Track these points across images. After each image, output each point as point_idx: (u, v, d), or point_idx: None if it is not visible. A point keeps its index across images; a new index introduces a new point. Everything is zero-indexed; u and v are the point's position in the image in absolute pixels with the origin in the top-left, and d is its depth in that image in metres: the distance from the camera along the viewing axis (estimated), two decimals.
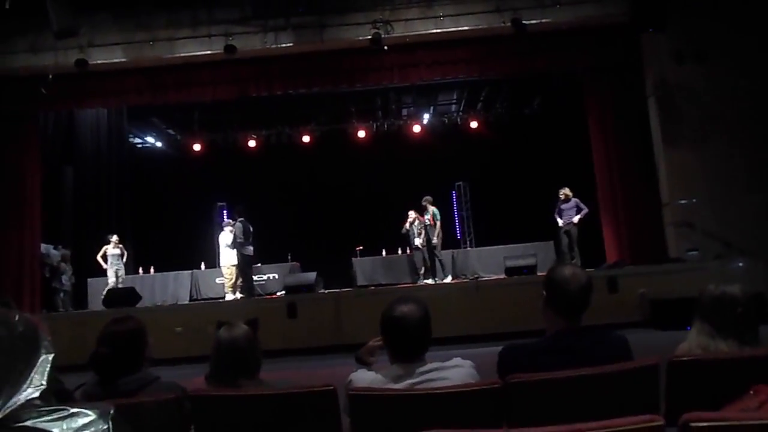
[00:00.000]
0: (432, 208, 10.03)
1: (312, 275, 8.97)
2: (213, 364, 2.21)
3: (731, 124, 8.89)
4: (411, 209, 10.27)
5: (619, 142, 9.71)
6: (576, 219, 9.47)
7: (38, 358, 0.96)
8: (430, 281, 9.80)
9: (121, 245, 10.61)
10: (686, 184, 9.05)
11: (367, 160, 13.27)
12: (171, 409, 1.98)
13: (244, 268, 9.95)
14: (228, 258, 10.16)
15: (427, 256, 10.13)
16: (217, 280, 11.59)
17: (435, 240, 9.95)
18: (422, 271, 10.14)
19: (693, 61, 8.91)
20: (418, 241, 10.11)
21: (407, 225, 10.21)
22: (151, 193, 13.55)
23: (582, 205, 9.57)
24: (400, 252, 11.67)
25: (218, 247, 10.79)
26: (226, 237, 10.17)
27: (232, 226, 10.04)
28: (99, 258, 10.48)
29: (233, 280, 10.12)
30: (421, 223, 10.08)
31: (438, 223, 9.99)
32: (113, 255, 10.44)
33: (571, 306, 2.04)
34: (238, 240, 9.80)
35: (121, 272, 10.60)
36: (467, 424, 1.33)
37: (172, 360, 7.04)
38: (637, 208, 9.48)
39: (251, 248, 9.92)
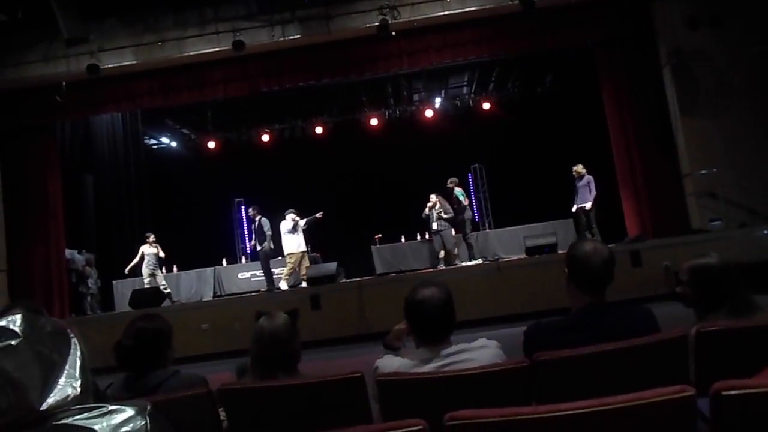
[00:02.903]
0: (458, 190, 10.11)
1: (333, 266, 9.01)
2: (254, 356, 2.17)
3: (749, 90, 8.75)
4: (429, 194, 10.25)
5: (635, 115, 9.58)
6: (588, 205, 9.34)
7: (70, 351, 0.97)
8: (459, 262, 9.78)
9: (157, 244, 10.14)
10: (706, 153, 8.94)
11: (381, 148, 13.27)
12: (203, 403, 2.00)
13: (263, 263, 9.99)
14: (289, 245, 9.85)
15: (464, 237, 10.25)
16: (240, 276, 11.71)
17: (466, 219, 10.03)
18: (441, 256, 10.13)
19: (707, 27, 8.76)
20: (435, 225, 10.10)
21: (427, 210, 10.18)
22: (169, 194, 13.71)
23: (592, 186, 9.38)
24: (419, 237, 11.69)
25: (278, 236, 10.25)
26: (287, 224, 9.87)
27: (294, 213, 9.84)
28: (137, 259, 10.13)
29: (293, 267, 9.84)
30: (441, 208, 10.05)
31: (466, 203, 10.09)
32: (150, 254, 10.03)
33: (594, 281, 2.05)
34: (267, 233, 9.84)
35: (158, 272, 10.16)
36: (496, 403, 1.33)
37: (199, 357, 7.19)
38: (656, 181, 9.38)
39: (270, 243, 9.96)
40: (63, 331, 1.00)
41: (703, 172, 8.89)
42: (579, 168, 9.56)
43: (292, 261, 9.79)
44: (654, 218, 9.34)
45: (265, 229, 9.96)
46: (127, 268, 10.38)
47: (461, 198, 10.07)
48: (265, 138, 13.64)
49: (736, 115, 8.74)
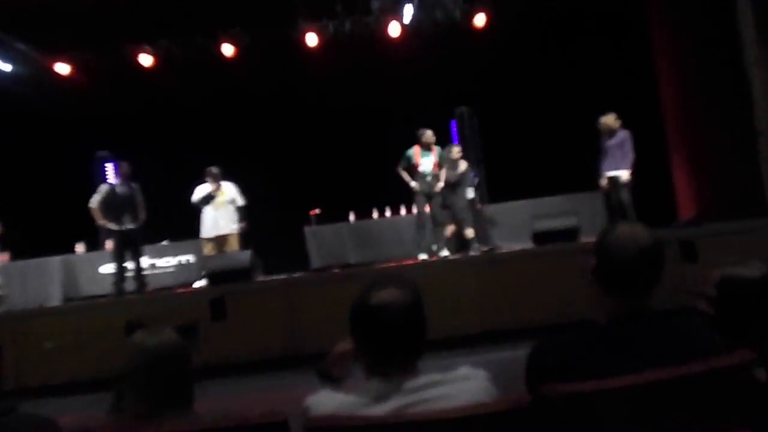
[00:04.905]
0: (438, 149, 10.36)
1: (246, 255, 9.00)
2: (128, 388, 2.18)
3: None
4: (394, 148, 10.39)
5: (693, 51, 9.81)
6: (624, 174, 9.45)
7: None
8: (424, 255, 9.97)
9: None
10: None
11: (321, 82, 13.21)
12: None
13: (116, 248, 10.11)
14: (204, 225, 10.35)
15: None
16: (101, 270, 11.64)
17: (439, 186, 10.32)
18: (448, 235, 10.49)
19: None
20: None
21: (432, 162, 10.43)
22: None
23: (629, 145, 9.50)
24: (378, 215, 11.84)
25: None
26: (199, 191, 10.30)
27: (213, 176, 10.30)
28: None
29: None
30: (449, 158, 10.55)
31: (444, 171, 10.37)
32: None
33: (629, 280, 2.10)
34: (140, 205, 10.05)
35: None
36: None
37: (44, 389, 7.08)
38: (720, 142, 9.59)
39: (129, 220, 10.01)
40: None
41: None
42: (610, 120, 9.60)
43: (207, 250, 10.16)
44: (716, 193, 9.61)
45: (138, 198, 10.06)
46: None
47: (443, 159, 10.35)
48: (146, 61, 13.34)
49: None
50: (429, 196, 10.15)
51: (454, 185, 10.48)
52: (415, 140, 10.25)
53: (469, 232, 10.41)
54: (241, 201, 10.45)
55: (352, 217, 12.07)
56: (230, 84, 13.44)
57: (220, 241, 10.27)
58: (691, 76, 9.87)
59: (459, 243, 10.54)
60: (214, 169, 10.25)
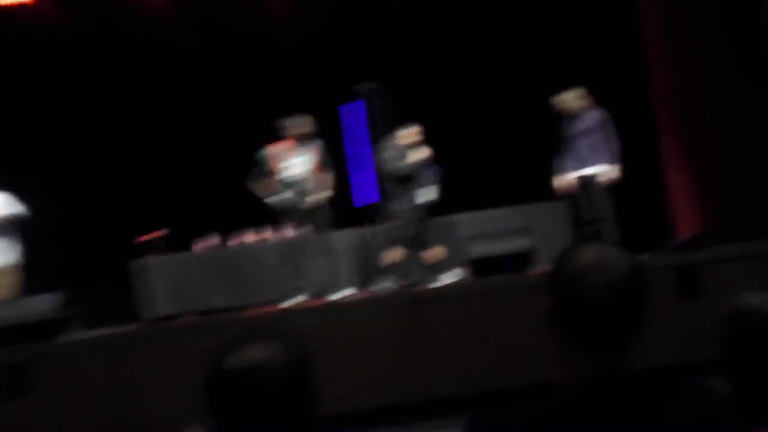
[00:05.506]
0: (319, 143, 10.35)
1: (51, 300, 8.85)
2: None
3: None
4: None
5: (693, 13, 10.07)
6: (601, 171, 9.64)
7: None
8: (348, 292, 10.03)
9: None
10: None
11: (162, 49, 13.25)
12: None
13: None
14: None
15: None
16: None
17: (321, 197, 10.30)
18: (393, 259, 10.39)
19: None
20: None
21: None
22: None
23: (605, 130, 9.67)
24: (254, 237, 11.84)
25: None
26: None
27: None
28: None
29: None
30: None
31: (330, 176, 10.34)
32: None
33: (600, 329, 2.05)
34: None
35: None
36: None
37: None
38: (731, 132, 9.80)
39: None
40: None
41: None
42: (572, 97, 9.81)
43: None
44: (727, 203, 9.78)
45: None
46: None
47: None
48: None
49: None
50: (306, 214, 10.12)
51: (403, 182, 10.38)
52: (277, 134, 10.24)
53: (434, 254, 10.34)
54: (12, 212, 10.10)
55: (215, 240, 11.95)
56: (27, 49, 13.23)
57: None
58: (689, 53, 10.20)
59: (374, 274, 10.51)
60: None
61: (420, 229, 10.38)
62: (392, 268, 10.35)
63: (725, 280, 7.74)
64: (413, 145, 10.51)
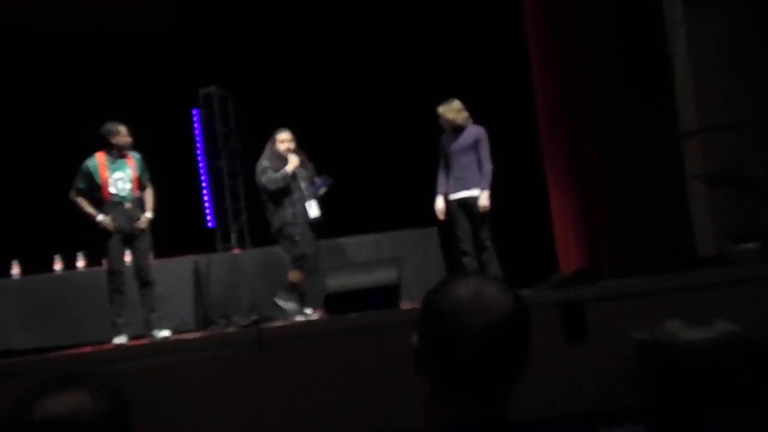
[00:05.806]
0: (135, 155, 9.87)
1: None
2: None
3: None
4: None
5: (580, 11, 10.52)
6: (479, 195, 9.61)
7: None
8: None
9: None
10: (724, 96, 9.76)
11: None
12: None
13: None
14: None
15: None
16: None
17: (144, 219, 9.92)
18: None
19: None
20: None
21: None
22: None
23: (485, 149, 9.72)
24: (63, 265, 11.57)
25: None
26: None
27: None
28: None
29: None
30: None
31: (151, 193, 9.92)
32: None
33: (474, 373, 2.05)
34: None
35: None
36: None
37: None
38: (624, 153, 10.48)
39: None
40: None
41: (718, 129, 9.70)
42: (451, 110, 9.77)
43: None
44: (616, 233, 10.56)
45: None
46: None
47: (144, 174, 9.93)
48: None
49: None
50: (130, 237, 9.63)
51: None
52: (102, 143, 9.65)
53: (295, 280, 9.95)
54: None
55: (15, 269, 11.42)
56: None
57: None
58: (577, 52, 10.73)
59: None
60: None
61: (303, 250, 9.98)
62: (292, 290, 9.92)
63: (611, 320, 7.80)
64: (287, 154, 10.02)
